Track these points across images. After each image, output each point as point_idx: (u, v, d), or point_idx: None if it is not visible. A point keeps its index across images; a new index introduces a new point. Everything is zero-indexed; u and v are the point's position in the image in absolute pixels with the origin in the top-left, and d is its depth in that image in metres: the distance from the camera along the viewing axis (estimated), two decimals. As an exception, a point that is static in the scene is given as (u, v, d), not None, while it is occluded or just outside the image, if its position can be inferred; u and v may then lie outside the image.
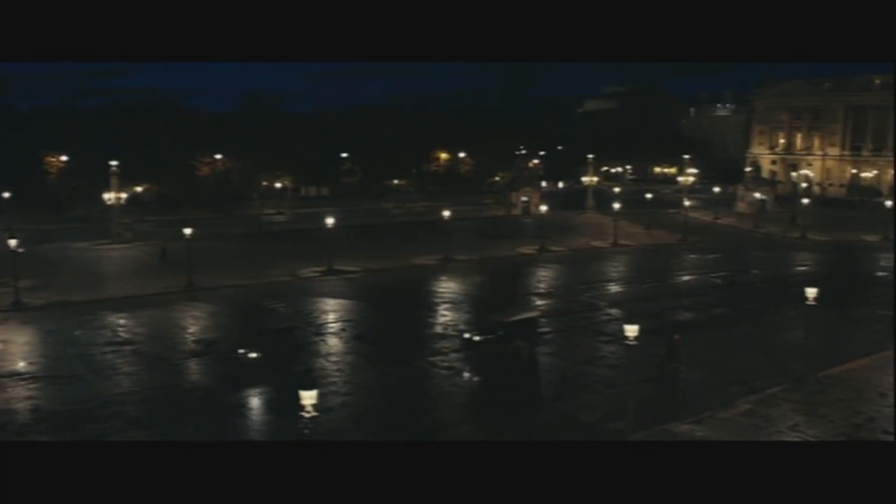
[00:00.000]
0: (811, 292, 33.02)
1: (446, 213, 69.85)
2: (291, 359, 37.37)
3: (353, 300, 51.79)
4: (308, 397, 19.92)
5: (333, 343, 41.46)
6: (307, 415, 19.87)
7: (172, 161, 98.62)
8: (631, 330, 25.96)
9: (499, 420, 29.91)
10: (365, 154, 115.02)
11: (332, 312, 48.49)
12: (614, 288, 57.22)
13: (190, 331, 44.28)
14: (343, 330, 44.06)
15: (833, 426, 28.82)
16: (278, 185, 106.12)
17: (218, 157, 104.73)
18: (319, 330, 44.07)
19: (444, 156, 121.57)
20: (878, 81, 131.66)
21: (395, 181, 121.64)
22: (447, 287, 56.63)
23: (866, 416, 29.79)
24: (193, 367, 37.38)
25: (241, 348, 36.09)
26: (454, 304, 51.06)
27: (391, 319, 47.35)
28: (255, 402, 32.11)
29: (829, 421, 29.35)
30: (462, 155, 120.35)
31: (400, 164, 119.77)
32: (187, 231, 55.39)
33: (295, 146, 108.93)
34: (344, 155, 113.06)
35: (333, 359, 38.31)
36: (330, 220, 61.31)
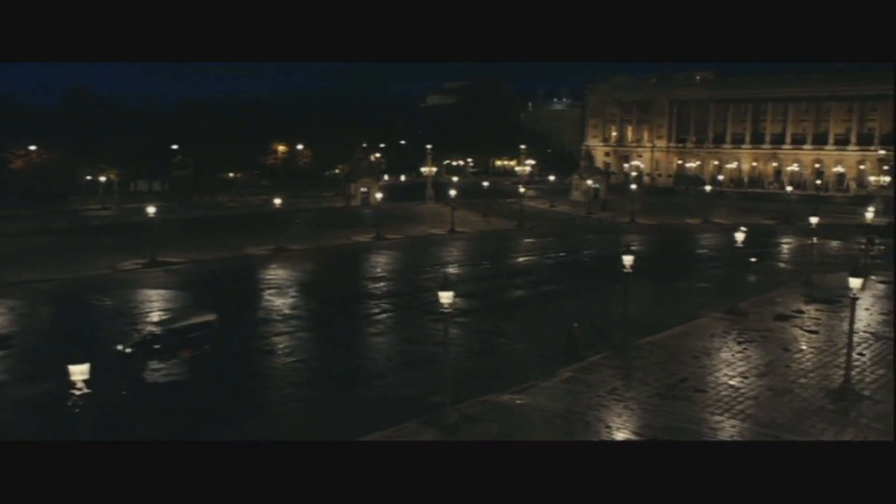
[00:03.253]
0: (627, 260, 33.44)
1: (277, 201, 67.64)
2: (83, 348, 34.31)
3: (172, 290, 48.82)
4: (79, 372, 17.93)
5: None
6: (77, 392, 17.90)
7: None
8: (445, 297, 25.04)
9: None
10: (199, 147, 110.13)
11: (146, 302, 45.42)
12: (448, 270, 56.92)
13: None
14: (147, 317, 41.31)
15: (648, 387, 29.29)
16: (103, 178, 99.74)
17: (32, 148, 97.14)
18: (133, 320, 41.04)
19: (281, 148, 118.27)
20: (698, 77, 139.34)
21: (231, 174, 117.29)
22: (275, 274, 54.58)
23: (680, 377, 30.45)
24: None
25: (41, 342, 32.95)
26: (280, 289, 49.31)
27: (207, 307, 44.88)
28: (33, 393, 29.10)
29: (645, 383, 29.79)
30: (300, 147, 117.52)
31: (236, 157, 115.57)
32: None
33: (121, 139, 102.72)
34: (174, 147, 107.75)
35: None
36: (151, 210, 57.75)
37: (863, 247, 56.25)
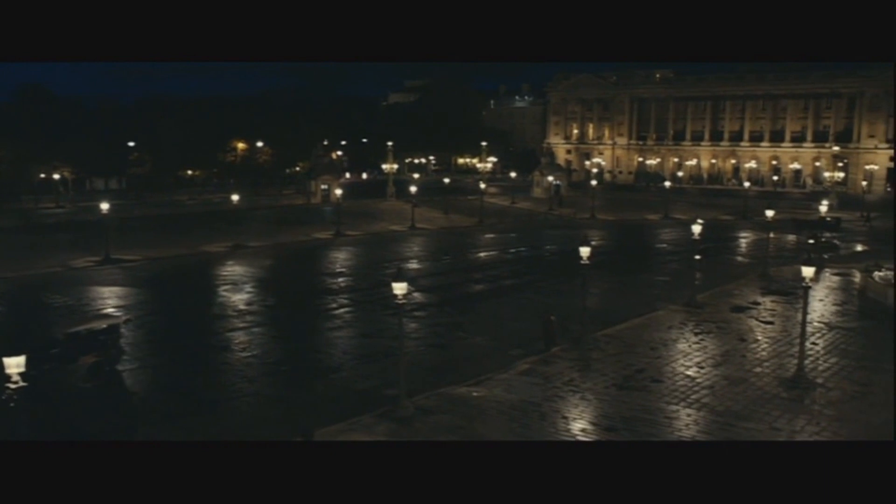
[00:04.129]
0: (584, 252, 33.36)
1: (235, 198, 66.80)
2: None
3: (125, 287, 47.84)
4: (14, 365, 17.35)
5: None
6: (13, 385, 17.31)
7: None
8: (399, 288, 24.70)
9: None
10: (156, 145, 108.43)
11: (98, 300, 44.43)
12: (408, 266, 56.51)
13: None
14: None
15: (606, 378, 29.24)
16: (57, 176, 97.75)
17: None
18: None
19: (241, 146, 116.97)
20: (657, 76, 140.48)
21: (190, 172, 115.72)
22: (232, 271, 53.72)
23: (637, 368, 30.44)
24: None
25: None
26: (235, 285, 48.62)
27: (162, 303, 44.19)
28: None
29: (603, 374, 29.74)
30: (260, 144, 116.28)
31: (195, 155, 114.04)
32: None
33: (76, 136, 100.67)
34: (131, 144, 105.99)
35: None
36: (105, 206, 56.55)
37: (811, 241, 56.96)
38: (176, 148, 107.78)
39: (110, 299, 44.59)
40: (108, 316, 33.18)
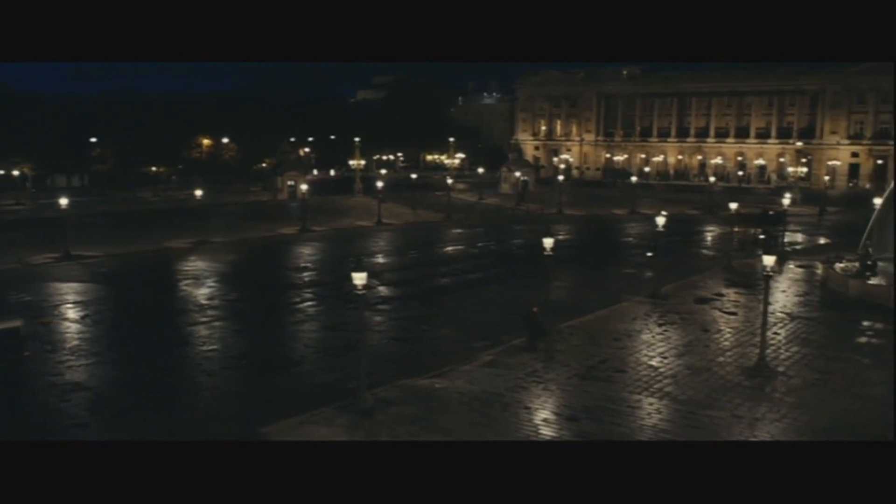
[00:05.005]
0: (548, 243, 33.27)
1: (198, 193, 65.98)
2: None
3: (84, 283, 46.91)
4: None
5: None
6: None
7: None
8: (359, 278, 24.38)
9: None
10: (120, 142, 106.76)
11: (55, 295, 43.53)
12: (373, 260, 56.15)
13: None
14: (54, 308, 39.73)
15: (569, 369, 29.12)
16: (16, 172, 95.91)
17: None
18: (39, 313, 39.24)
19: (206, 142, 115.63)
20: (624, 73, 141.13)
21: (154, 168, 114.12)
22: (195, 266, 52.91)
23: (599, 359, 30.37)
24: None
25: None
26: (197, 279, 47.99)
27: (122, 299, 43.43)
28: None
29: (566, 365, 29.61)
30: (225, 141, 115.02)
31: (159, 151, 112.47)
32: None
33: (37, 132, 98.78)
34: (93, 140, 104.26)
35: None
36: (64, 202, 55.55)
37: (746, 235, 57.45)
38: (140, 144, 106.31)
39: (69, 295, 43.70)
40: (6, 319, 31.52)
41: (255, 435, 22.25)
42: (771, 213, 64.47)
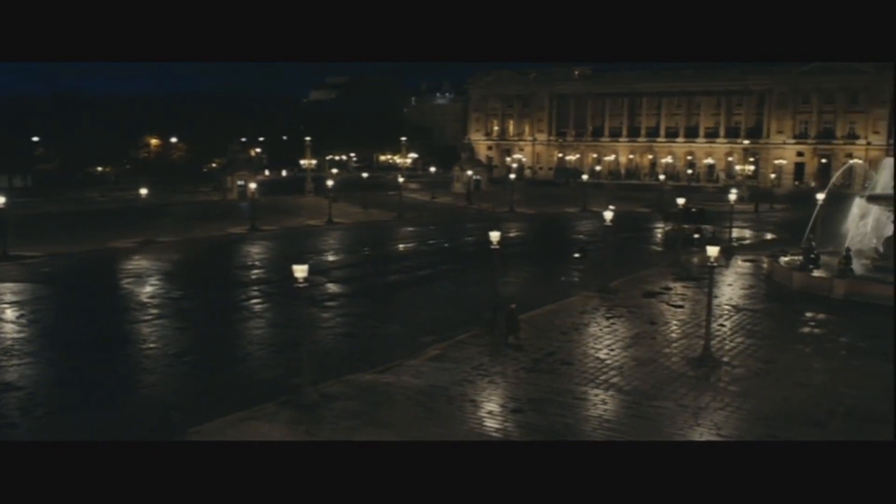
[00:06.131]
0: (494, 236, 33.09)
1: (143, 191, 64.71)
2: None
3: (22, 283, 45.57)
4: None
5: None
6: None
7: None
8: (299, 270, 23.98)
9: None
10: (66, 142, 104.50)
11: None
12: (322, 258, 55.57)
13: None
14: None
15: (516, 362, 28.96)
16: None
17: None
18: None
19: (154, 142, 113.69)
20: (576, 73, 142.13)
21: (101, 169, 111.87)
22: (139, 265, 51.76)
23: (547, 352, 30.26)
24: None
25: None
26: (140, 278, 46.99)
27: (61, 298, 42.32)
28: None
29: (513, 359, 29.42)
30: (174, 140, 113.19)
31: (107, 151, 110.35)
32: None
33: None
34: (36, 139, 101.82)
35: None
36: (1, 200, 53.90)
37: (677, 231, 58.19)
38: (86, 144, 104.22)
39: (5, 295, 42.37)
40: None
41: (187, 434, 21.62)
42: (693, 210, 65.39)
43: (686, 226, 57.89)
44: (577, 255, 50.09)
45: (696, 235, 57.74)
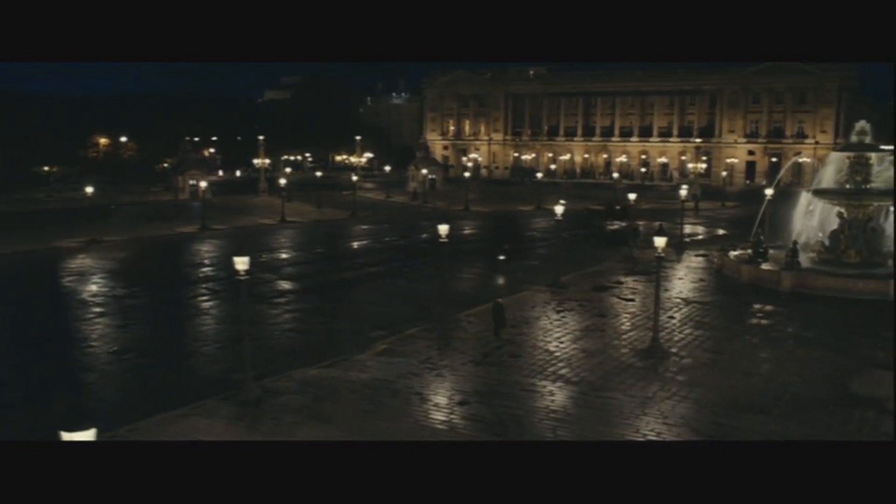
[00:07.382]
0: (443, 229, 32.86)
1: (89, 190, 63.33)
2: None
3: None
4: None
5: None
6: None
7: None
8: (240, 262, 23.47)
9: None
10: (10, 141, 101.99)
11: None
12: (274, 256, 54.80)
13: None
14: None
15: (464, 356, 28.66)
16: None
17: None
18: None
19: (103, 141, 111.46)
20: (531, 72, 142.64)
21: (47, 168, 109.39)
22: (83, 264, 50.56)
23: (496, 345, 30.03)
24: None
25: None
26: (83, 276, 45.93)
27: None
28: None
29: (461, 352, 29.14)
30: (124, 139, 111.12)
31: (54, 151, 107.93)
32: None
33: None
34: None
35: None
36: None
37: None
38: (32, 144, 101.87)
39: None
40: None
41: (121, 432, 20.95)
42: (617, 207, 65.98)
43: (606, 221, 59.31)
44: (501, 257, 49.11)
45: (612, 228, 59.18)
